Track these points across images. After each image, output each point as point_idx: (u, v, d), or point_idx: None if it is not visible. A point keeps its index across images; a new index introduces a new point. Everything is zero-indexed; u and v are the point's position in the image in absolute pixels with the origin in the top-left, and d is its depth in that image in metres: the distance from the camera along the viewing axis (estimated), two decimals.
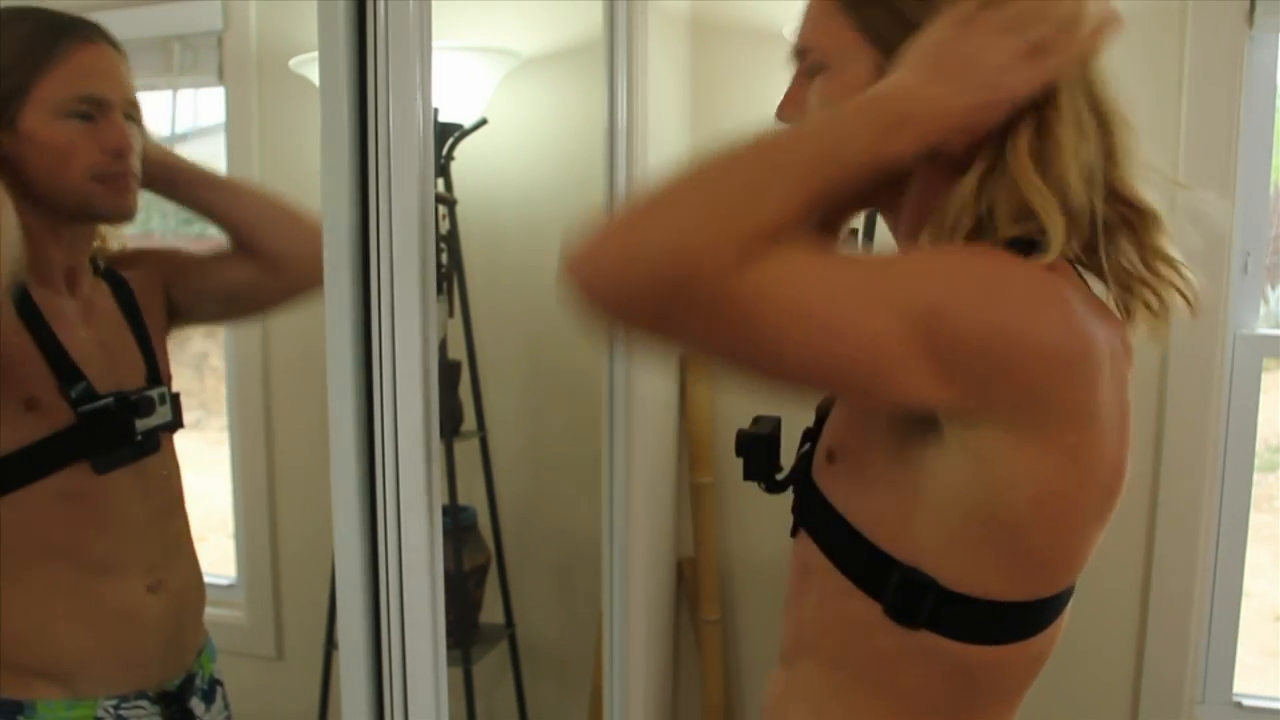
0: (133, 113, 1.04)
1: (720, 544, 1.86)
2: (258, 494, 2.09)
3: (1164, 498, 1.59)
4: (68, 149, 0.98)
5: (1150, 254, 0.69)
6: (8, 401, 0.96)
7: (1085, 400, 0.64)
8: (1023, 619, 0.70)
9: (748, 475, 0.86)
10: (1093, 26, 0.66)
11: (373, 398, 0.83)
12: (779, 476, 0.85)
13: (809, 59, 0.73)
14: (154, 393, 1.08)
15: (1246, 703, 1.65)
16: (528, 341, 1.89)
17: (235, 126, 2.00)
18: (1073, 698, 1.64)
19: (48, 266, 1.03)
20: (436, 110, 1.58)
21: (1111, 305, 0.70)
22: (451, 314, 1.73)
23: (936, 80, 0.64)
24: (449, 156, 1.70)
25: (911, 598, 0.68)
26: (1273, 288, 1.63)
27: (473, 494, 1.85)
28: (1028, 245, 0.64)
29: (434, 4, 0.84)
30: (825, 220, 0.76)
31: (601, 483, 1.35)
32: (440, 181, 1.69)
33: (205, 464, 2.17)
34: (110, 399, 1.03)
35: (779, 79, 0.77)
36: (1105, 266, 0.68)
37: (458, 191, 1.72)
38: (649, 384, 1.47)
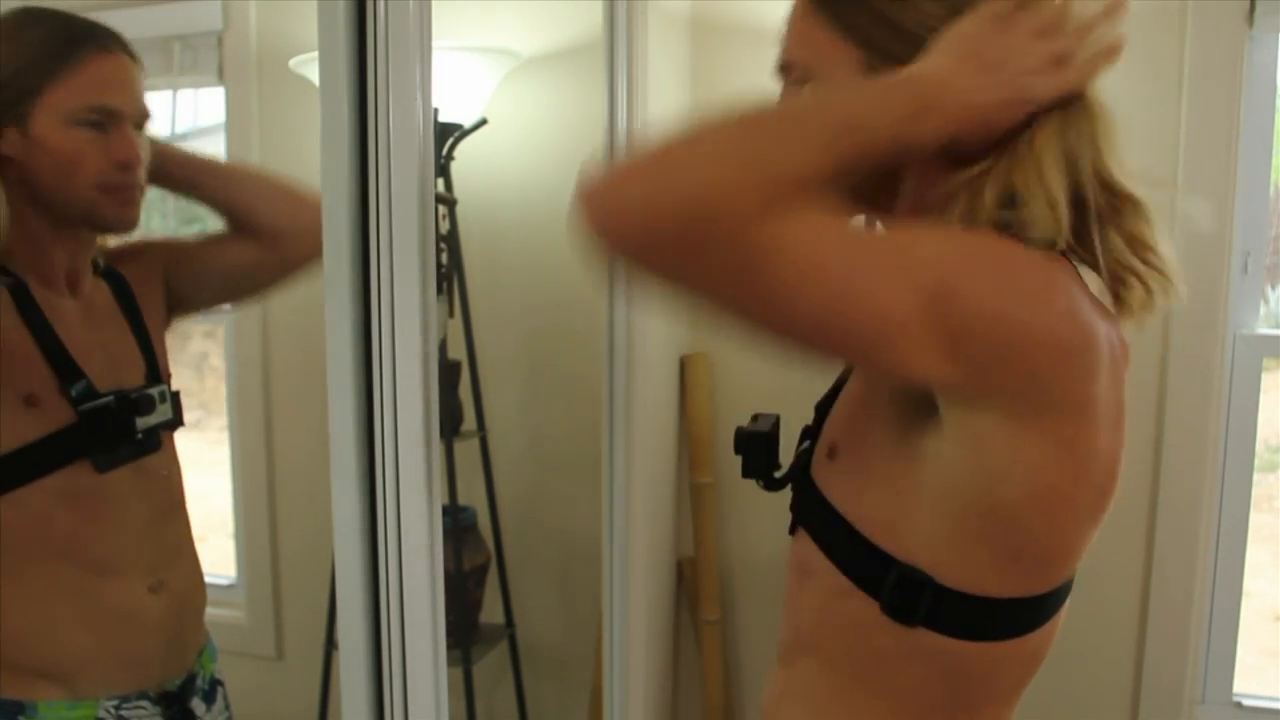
0: (143, 123, 1.05)
1: (720, 544, 1.86)
2: (258, 494, 2.09)
3: (1164, 498, 1.59)
4: (76, 157, 0.98)
5: (1138, 244, 0.69)
6: (8, 400, 0.96)
7: (1085, 393, 0.64)
8: (1018, 616, 0.70)
9: (746, 472, 0.86)
10: (1107, 45, 0.67)
11: (373, 398, 0.83)
12: (777, 474, 0.85)
13: (795, 72, 0.74)
14: (154, 391, 1.09)
15: (1246, 703, 1.65)
16: (528, 341, 1.89)
17: (235, 126, 2.00)
18: (1072, 698, 1.64)
19: (50, 268, 1.03)
20: (436, 110, 1.58)
21: (1105, 299, 0.70)
22: (451, 314, 1.73)
23: (970, 73, 0.65)
24: (449, 156, 1.70)
25: (909, 595, 0.69)
26: (1273, 288, 1.63)
27: (473, 494, 1.85)
28: (1024, 234, 0.65)
29: (434, 4, 0.84)
30: None
31: (601, 483, 1.35)
32: (440, 181, 1.69)
33: (205, 464, 2.17)
34: (110, 397, 1.03)
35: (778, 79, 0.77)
36: (1099, 256, 0.68)
37: (458, 191, 1.73)
38: (649, 384, 1.46)
